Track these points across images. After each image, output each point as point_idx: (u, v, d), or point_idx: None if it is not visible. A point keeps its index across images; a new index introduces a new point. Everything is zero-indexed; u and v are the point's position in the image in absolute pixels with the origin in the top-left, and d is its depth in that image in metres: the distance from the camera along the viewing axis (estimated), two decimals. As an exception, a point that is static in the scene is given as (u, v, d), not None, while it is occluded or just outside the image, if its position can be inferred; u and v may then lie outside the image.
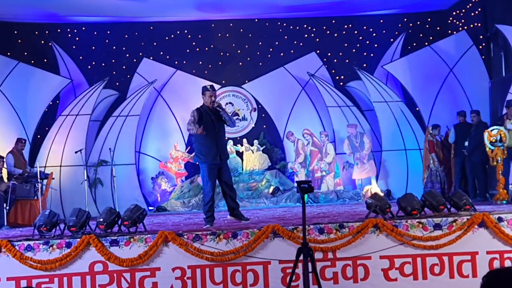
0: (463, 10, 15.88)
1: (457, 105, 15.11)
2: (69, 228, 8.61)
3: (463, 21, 15.87)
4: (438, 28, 16.81)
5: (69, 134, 15.44)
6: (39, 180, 12.80)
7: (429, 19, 16.89)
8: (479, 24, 15.22)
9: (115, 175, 14.75)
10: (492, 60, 14.96)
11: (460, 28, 15.86)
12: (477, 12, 15.23)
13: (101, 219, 8.57)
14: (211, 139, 9.42)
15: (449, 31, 16.34)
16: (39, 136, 15.54)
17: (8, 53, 15.53)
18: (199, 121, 9.31)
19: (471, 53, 15.35)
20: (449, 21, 16.53)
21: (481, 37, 15.20)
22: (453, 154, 13.91)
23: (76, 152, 14.34)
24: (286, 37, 17.07)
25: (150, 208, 15.61)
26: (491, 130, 11.82)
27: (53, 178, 14.03)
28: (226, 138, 16.49)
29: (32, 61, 15.82)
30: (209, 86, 9.57)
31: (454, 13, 16.30)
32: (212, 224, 9.40)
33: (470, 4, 15.52)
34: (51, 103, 15.83)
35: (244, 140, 16.74)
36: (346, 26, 17.03)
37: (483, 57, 15.15)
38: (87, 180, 14.49)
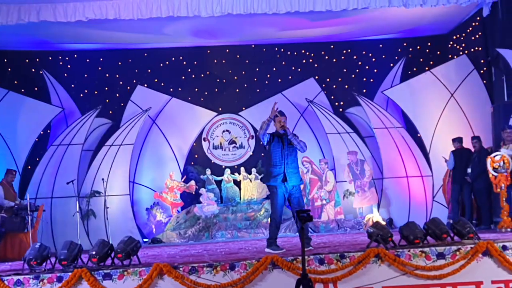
0: (463, 34, 15.72)
1: (459, 131, 14.85)
2: (60, 261, 8.59)
3: (463, 45, 15.71)
4: (438, 52, 16.69)
5: (60, 164, 15.23)
6: (29, 212, 12.62)
7: (429, 44, 16.80)
8: (480, 48, 15.02)
9: (108, 206, 14.45)
10: (493, 84, 14.71)
11: (461, 53, 15.70)
12: (477, 36, 15.04)
13: (94, 252, 8.60)
14: (279, 163, 9.63)
15: (450, 56, 16.19)
16: (29, 167, 15.31)
17: (-2, 82, 15.39)
18: (271, 143, 9.69)
19: (472, 77, 15.14)
20: (449, 46, 16.40)
21: (482, 61, 14.99)
22: (450, 181, 13.76)
23: (68, 183, 14.08)
24: (283, 62, 16.95)
25: (145, 240, 15.37)
26: (494, 156, 11.71)
27: (44, 210, 13.84)
28: (224, 166, 16.51)
29: (23, 90, 15.65)
30: (278, 112, 9.72)
31: (454, 37, 16.15)
32: (278, 249, 9.46)
33: (470, 28, 15.34)
34: (42, 132, 15.60)
35: (242, 169, 16.53)
36: (344, 51, 16.92)
37: (484, 81, 14.95)
38: (79, 212, 14.20)
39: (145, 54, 16.61)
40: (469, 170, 13.16)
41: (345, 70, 16.91)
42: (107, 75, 16.50)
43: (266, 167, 9.96)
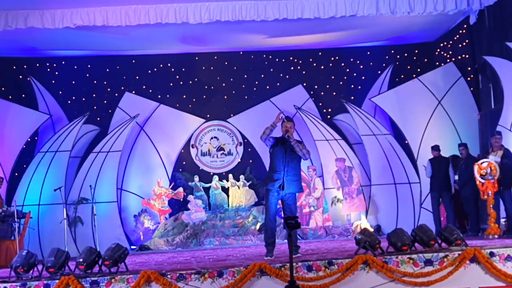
0: (451, 42, 15.79)
1: (446, 138, 14.93)
2: (47, 269, 8.46)
3: (450, 52, 15.79)
4: (425, 60, 16.79)
5: (48, 171, 15.12)
6: (16, 219, 12.47)
7: (416, 51, 16.88)
8: (467, 56, 15.11)
9: (96, 213, 14.31)
10: (480, 91, 14.80)
11: (448, 60, 15.77)
12: (464, 43, 15.12)
13: (81, 259, 8.47)
14: (279, 168, 9.49)
15: (437, 63, 16.29)
16: (16, 174, 15.21)
17: (-15, 89, 15.29)
18: (274, 147, 9.56)
19: (460, 85, 15.22)
20: (437, 53, 16.48)
21: (469, 68, 15.07)
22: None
23: (55, 190, 13.93)
24: (272, 69, 16.95)
25: (133, 247, 15.29)
26: (481, 163, 11.67)
27: (31, 217, 13.70)
28: (212, 173, 16.48)
29: (10, 97, 15.58)
30: (284, 115, 9.63)
31: (442, 44, 16.23)
32: (271, 256, 9.39)
33: (458, 36, 15.42)
34: (29, 139, 15.53)
35: (230, 176, 16.51)
36: (333, 58, 16.97)
37: (471, 89, 15.03)
38: (67, 219, 14.10)
39: (133, 61, 16.57)
40: (456, 177, 13.18)
41: (333, 77, 16.95)
42: (95, 81, 16.44)
43: (268, 171, 9.90)
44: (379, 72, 16.83)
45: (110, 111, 16.25)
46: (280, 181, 9.44)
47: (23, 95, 15.91)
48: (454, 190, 13.21)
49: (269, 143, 9.52)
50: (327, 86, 16.94)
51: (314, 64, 16.98)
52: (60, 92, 16.21)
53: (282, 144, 9.51)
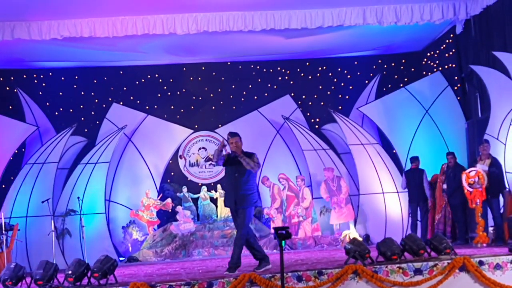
0: (437, 51, 15.88)
1: (434, 147, 15.00)
2: (36, 281, 8.46)
3: (437, 62, 15.87)
4: (412, 69, 16.86)
5: (35, 183, 15.00)
6: (3, 231, 12.44)
7: (403, 61, 16.96)
8: (454, 65, 15.20)
9: (84, 225, 14.24)
10: (467, 100, 14.85)
11: (435, 69, 15.85)
12: (451, 53, 15.22)
13: (70, 272, 8.47)
14: (231, 184, 9.53)
15: (424, 72, 16.36)
16: (3, 186, 15.09)
17: (-29, 101, 15.21)
18: (225, 165, 9.54)
19: (447, 94, 15.29)
20: (424, 62, 16.55)
21: (456, 78, 15.16)
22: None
23: (43, 202, 13.86)
24: (259, 80, 16.97)
25: (121, 258, 15.17)
26: (469, 172, 11.72)
27: (19, 230, 13.63)
28: (200, 184, 16.45)
29: (-4, 108, 15.51)
30: (227, 136, 9.68)
31: (428, 54, 16.31)
32: (232, 272, 9.10)
33: (444, 45, 15.51)
34: (16, 151, 15.44)
35: (218, 186, 16.45)
36: (320, 68, 17.01)
37: (458, 98, 15.09)
38: (55, 231, 13.92)
39: (121, 72, 16.55)
40: (444, 186, 13.27)
41: (320, 87, 16.99)
42: (82, 93, 16.40)
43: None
44: (367, 81, 16.90)
45: (97, 122, 16.20)
46: (233, 197, 9.41)
47: (10, 107, 15.83)
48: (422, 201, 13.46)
49: (222, 163, 9.52)
50: (315, 96, 16.98)
51: (302, 74, 17.01)
52: (48, 104, 16.15)
53: (232, 160, 9.51)
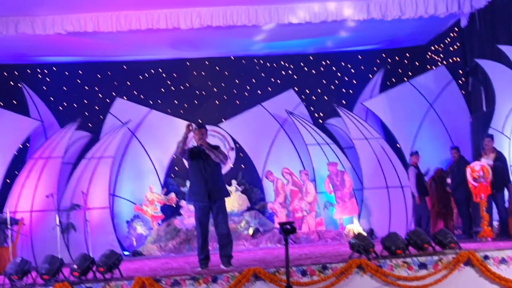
0: (442, 45, 15.84)
1: (438, 141, 14.97)
2: (42, 276, 8.42)
3: (442, 56, 15.83)
4: (417, 63, 16.82)
5: (40, 177, 14.95)
6: (9, 226, 12.44)
7: (407, 55, 16.93)
8: (458, 59, 15.15)
9: (89, 219, 14.35)
10: (472, 94, 14.82)
11: (439, 63, 15.82)
12: (455, 46, 15.17)
13: (75, 266, 8.46)
14: (200, 179, 9.21)
15: (428, 66, 16.32)
16: (8, 181, 15.04)
17: (-24, 96, 15.22)
18: (190, 159, 9.26)
19: (451, 88, 15.28)
20: (428, 56, 16.51)
21: (460, 71, 15.12)
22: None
23: (47, 197, 13.95)
24: (263, 74, 16.95)
25: (126, 253, 15.19)
26: (474, 166, 11.68)
27: (24, 224, 13.62)
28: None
29: (1, 103, 15.54)
30: (194, 125, 9.32)
31: (433, 48, 16.27)
32: (205, 267, 9.16)
33: (449, 39, 15.46)
34: (20, 146, 15.39)
35: (222, 181, 16.32)
36: (324, 63, 16.97)
37: (463, 92, 15.05)
38: (59, 225, 13.98)
39: (124, 67, 16.54)
40: (448, 181, 13.26)
41: (324, 81, 16.97)
42: (86, 88, 16.41)
43: (190, 185, 9.64)
44: (370, 76, 16.88)
45: (101, 117, 16.20)
46: (204, 192, 9.18)
47: (14, 102, 15.83)
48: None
49: (185, 156, 9.29)
50: (319, 91, 16.95)
51: (305, 69, 16.99)
52: (52, 98, 16.14)
53: (197, 153, 9.28)
